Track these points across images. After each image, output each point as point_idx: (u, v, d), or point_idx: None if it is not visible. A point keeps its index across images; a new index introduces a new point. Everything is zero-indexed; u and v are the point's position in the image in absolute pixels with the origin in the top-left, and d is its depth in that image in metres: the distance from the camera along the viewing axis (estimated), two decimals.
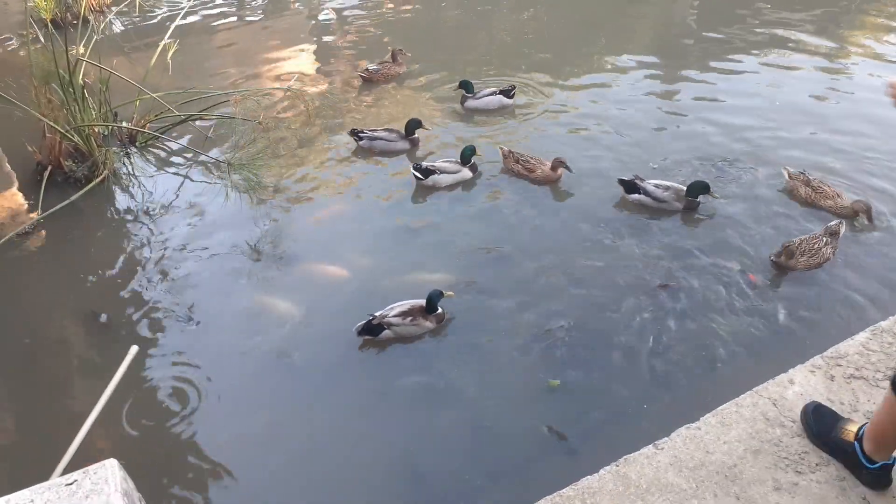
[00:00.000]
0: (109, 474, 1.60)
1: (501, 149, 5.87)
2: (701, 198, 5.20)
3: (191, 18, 9.60)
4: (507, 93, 6.78)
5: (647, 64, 8.01)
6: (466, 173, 5.79)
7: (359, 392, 3.86)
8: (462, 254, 4.88)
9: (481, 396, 3.77)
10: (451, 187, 5.70)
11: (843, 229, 4.73)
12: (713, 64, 7.90)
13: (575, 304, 4.37)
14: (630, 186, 5.27)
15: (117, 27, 9.38)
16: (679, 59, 8.16)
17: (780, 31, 8.71)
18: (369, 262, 4.84)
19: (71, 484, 1.57)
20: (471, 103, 6.87)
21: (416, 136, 6.21)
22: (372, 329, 4.11)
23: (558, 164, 5.56)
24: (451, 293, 4.26)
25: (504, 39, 9.31)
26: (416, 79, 7.70)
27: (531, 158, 5.71)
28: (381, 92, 7.46)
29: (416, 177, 5.64)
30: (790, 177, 5.39)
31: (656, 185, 5.24)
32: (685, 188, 5.20)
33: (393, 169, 6.05)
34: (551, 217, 5.30)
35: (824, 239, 4.59)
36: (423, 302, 4.16)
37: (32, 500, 1.56)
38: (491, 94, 6.81)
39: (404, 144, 6.19)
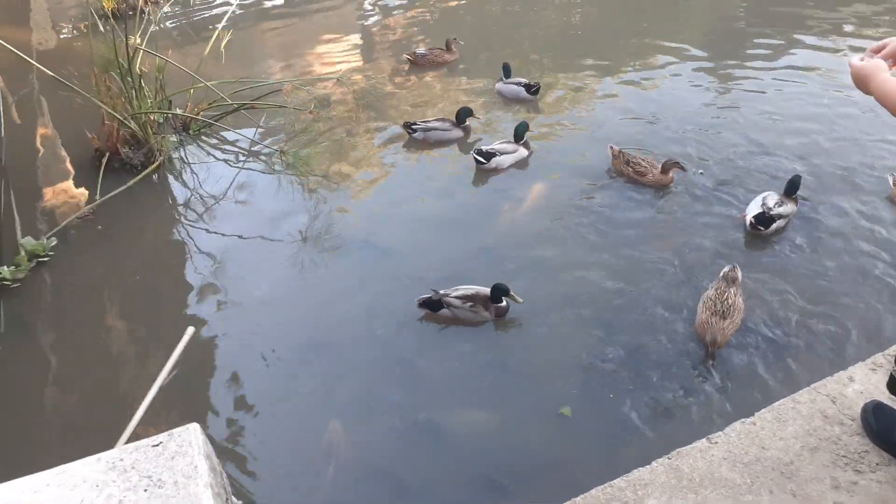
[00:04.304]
0: (193, 437, 1.67)
1: (612, 148, 5.62)
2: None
3: (240, 10, 9.78)
4: (530, 88, 6.79)
5: (697, 58, 7.91)
6: (523, 151, 5.84)
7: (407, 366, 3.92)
8: (529, 255, 4.80)
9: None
10: (508, 168, 5.74)
11: (739, 273, 4.23)
12: (764, 59, 7.78)
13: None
14: (764, 219, 4.73)
15: (171, 18, 9.60)
16: (728, 54, 8.05)
17: (836, 27, 8.55)
18: (429, 250, 4.88)
19: (157, 445, 1.65)
20: (498, 86, 7.06)
21: (467, 123, 6.25)
22: (432, 304, 4.17)
23: (671, 165, 5.32)
24: (519, 299, 4.12)
25: (550, 32, 9.29)
26: (461, 67, 7.76)
27: (642, 160, 5.43)
28: (427, 80, 7.51)
29: (477, 161, 5.67)
30: (894, 184, 5.06)
31: (776, 204, 4.81)
32: (786, 186, 4.98)
33: (447, 156, 6.09)
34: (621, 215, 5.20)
35: (730, 291, 4.05)
36: (489, 291, 4.16)
37: (122, 459, 1.64)
38: (516, 83, 6.89)
39: (458, 133, 6.23)
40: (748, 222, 4.79)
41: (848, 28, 8.63)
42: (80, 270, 4.87)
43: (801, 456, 2.55)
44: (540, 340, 4.09)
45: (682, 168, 5.38)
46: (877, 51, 2.14)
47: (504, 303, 4.18)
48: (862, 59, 2.08)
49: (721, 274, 4.23)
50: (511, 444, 3.46)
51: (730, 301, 3.96)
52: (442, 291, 4.19)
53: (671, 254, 4.69)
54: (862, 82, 2.04)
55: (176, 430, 1.71)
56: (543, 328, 4.16)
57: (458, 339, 4.14)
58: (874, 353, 2.97)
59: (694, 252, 4.70)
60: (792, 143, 6.00)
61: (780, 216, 4.79)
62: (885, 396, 2.64)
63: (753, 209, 4.86)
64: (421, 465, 3.39)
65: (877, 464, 2.49)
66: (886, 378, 2.74)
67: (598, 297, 4.34)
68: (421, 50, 7.72)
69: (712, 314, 3.91)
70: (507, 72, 7.00)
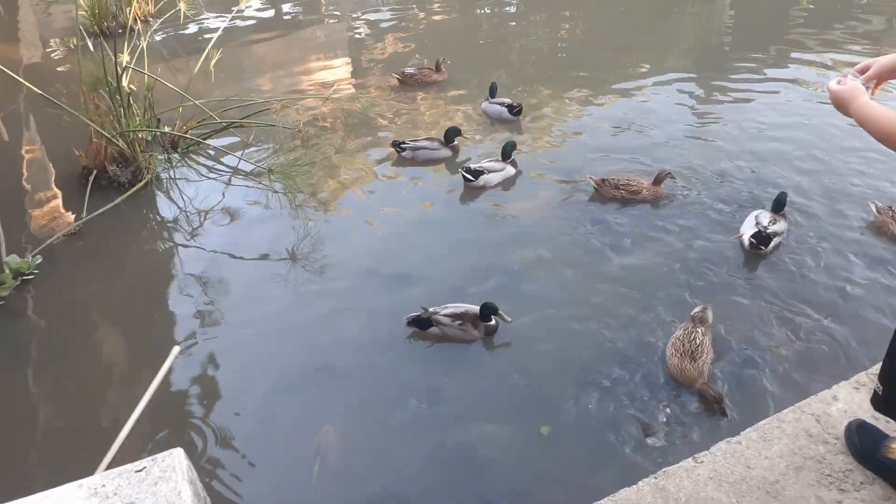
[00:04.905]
0: (177, 462, 1.65)
1: (591, 178, 5.55)
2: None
3: (229, 29, 9.83)
4: (512, 108, 6.85)
5: (684, 74, 8.03)
6: (511, 170, 5.89)
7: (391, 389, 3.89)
8: (522, 270, 4.80)
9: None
10: (496, 186, 5.80)
11: (709, 314, 4.14)
12: (750, 74, 7.90)
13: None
14: (762, 238, 4.78)
15: (159, 37, 9.62)
16: (715, 69, 8.16)
17: (818, 48, 8.70)
18: (418, 268, 4.88)
19: (140, 471, 1.63)
20: (484, 105, 7.13)
21: (455, 143, 6.30)
22: (421, 322, 4.17)
23: (664, 176, 5.45)
24: (508, 318, 4.12)
25: (539, 50, 9.39)
26: (449, 87, 7.83)
27: (629, 180, 5.48)
28: (416, 99, 7.57)
29: (466, 179, 5.72)
30: (878, 212, 5.02)
31: (770, 222, 4.88)
32: (773, 203, 5.08)
33: (436, 175, 6.13)
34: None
35: (698, 331, 3.93)
36: (478, 309, 4.16)
37: (104, 485, 1.62)
38: (500, 104, 6.95)
39: (446, 152, 6.27)
40: (747, 242, 4.82)
41: (832, 46, 8.81)
42: (65, 289, 4.83)
43: (786, 475, 2.57)
44: (528, 359, 4.08)
45: (673, 177, 5.50)
46: (861, 71, 2.18)
47: (493, 321, 4.18)
48: (839, 82, 2.12)
49: (691, 314, 4.13)
50: (493, 462, 3.45)
51: (697, 340, 3.85)
52: (431, 309, 4.19)
53: (661, 273, 4.73)
54: (841, 105, 2.09)
55: (160, 455, 1.70)
56: (532, 347, 4.16)
57: (447, 357, 4.14)
58: (857, 372, 3.00)
59: (684, 272, 4.74)
60: (777, 159, 6.12)
61: (775, 234, 4.85)
62: (868, 415, 2.67)
63: (748, 229, 4.90)
64: (399, 481, 3.38)
65: (861, 482, 2.51)
66: (870, 397, 2.77)
67: (588, 315, 4.35)
68: (410, 69, 7.80)
69: (682, 356, 3.80)
70: (493, 91, 7.08)
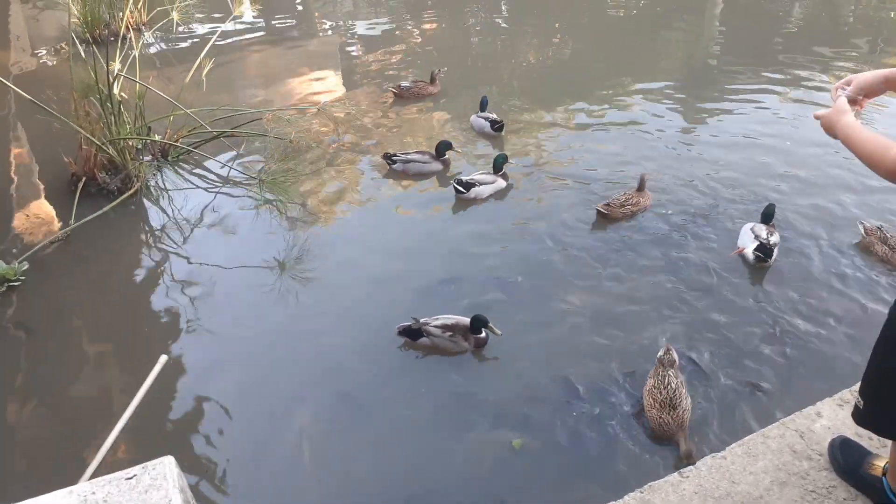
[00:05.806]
0: (168, 470, 1.65)
1: (599, 207, 5.44)
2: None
3: (222, 39, 9.85)
4: (494, 124, 6.91)
5: (671, 92, 8.13)
6: (501, 182, 5.96)
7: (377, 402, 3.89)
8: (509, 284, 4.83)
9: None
10: (487, 199, 5.86)
11: (675, 354, 3.92)
12: (736, 94, 8.01)
13: None
14: (766, 250, 4.80)
15: (152, 46, 9.63)
16: (702, 89, 8.27)
17: (803, 67, 8.84)
18: (408, 279, 4.89)
19: (131, 478, 1.63)
20: (472, 118, 7.19)
21: (446, 157, 6.34)
22: (412, 333, 4.19)
23: (644, 181, 5.62)
24: (498, 331, 4.13)
25: (529, 65, 9.48)
26: (442, 100, 7.90)
27: (630, 195, 5.54)
28: (408, 111, 7.61)
29: (457, 191, 5.78)
30: (866, 232, 5.02)
31: (768, 234, 4.96)
32: (762, 215, 5.17)
33: (426, 188, 6.16)
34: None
35: (669, 374, 3.77)
36: (468, 321, 4.17)
37: (94, 493, 1.62)
38: (485, 118, 7.01)
39: (437, 166, 6.31)
40: (751, 256, 4.87)
41: (820, 61, 8.98)
42: (52, 296, 4.80)
43: (770, 490, 2.59)
44: (516, 372, 4.10)
45: (650, 177, 5.70)
46: (844, 87, 2.21)
47: (483, 334, 4.21)
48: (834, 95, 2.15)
49: (657, 357, 3.94)
50: (473, 472, 3.47)
51: (673, 385, 3.68)
52: (422, 320, 4.21)
53: (649, 289, 4.76)
54: (829, 129, 2.10)
55: (150, 463, 1.69)
56: (520, 361, 4.18)
57: (436, 368, 4.15)
58: (841, 389, 3.04)
59: (672, 287, 4.77)
60: (765, 172, 6.23)
61: (775, 245, 4.92)
62: (851, 432, 2.70)
63: (748, 242, 4.95)
64: (376, 488, 3.39)
65: (844, 499, 2.54)
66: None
67: (578, 330, 4.38)
68: (405, 83, 7.86)
69: (662, 407, 3.61)
70: (483, 105, 7.15)
